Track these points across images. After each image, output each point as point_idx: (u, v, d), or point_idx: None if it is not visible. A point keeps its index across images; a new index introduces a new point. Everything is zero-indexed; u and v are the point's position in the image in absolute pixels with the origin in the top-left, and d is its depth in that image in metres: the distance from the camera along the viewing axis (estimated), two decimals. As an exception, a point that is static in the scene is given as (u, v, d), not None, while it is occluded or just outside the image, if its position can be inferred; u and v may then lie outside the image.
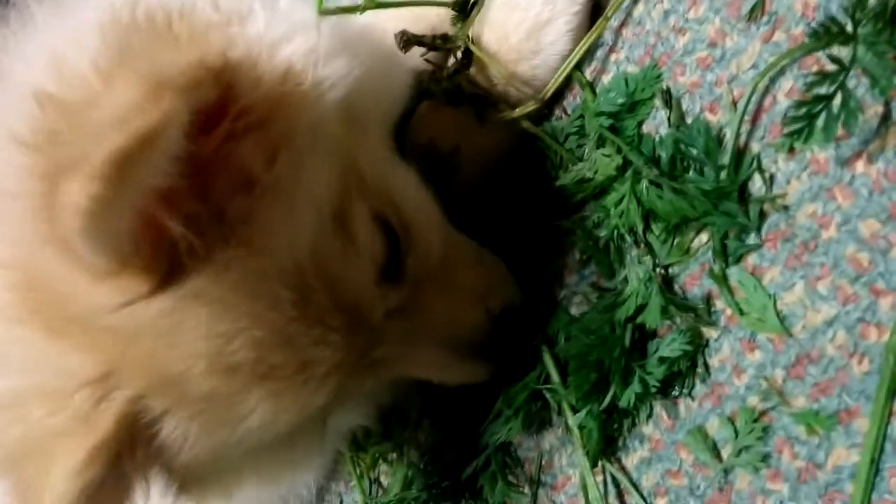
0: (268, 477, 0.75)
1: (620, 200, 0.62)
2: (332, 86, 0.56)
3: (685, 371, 0.61)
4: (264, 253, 0.52)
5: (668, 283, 0.62)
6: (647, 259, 0.62)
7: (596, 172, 0.65)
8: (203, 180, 0.49)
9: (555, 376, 0.67)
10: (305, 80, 0.54)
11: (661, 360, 0.60)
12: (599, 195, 0.67)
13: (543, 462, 0.73)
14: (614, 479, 0.66)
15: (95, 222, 0.41)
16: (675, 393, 0.62)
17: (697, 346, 0.60)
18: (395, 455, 0.91)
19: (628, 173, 0.63)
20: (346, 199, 0.57)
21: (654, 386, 0.60)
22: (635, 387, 0.60)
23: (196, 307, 0.50)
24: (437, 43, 0.70)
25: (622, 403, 0.61)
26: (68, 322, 0.51)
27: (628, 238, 0.63)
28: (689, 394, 0.61)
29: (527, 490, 0.73)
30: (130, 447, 0.52)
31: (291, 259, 0.54)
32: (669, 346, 0.59)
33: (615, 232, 0.64)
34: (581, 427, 0.63)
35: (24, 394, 0.52)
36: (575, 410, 0.65)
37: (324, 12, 0.62)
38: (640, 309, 0.61)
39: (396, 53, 0.70)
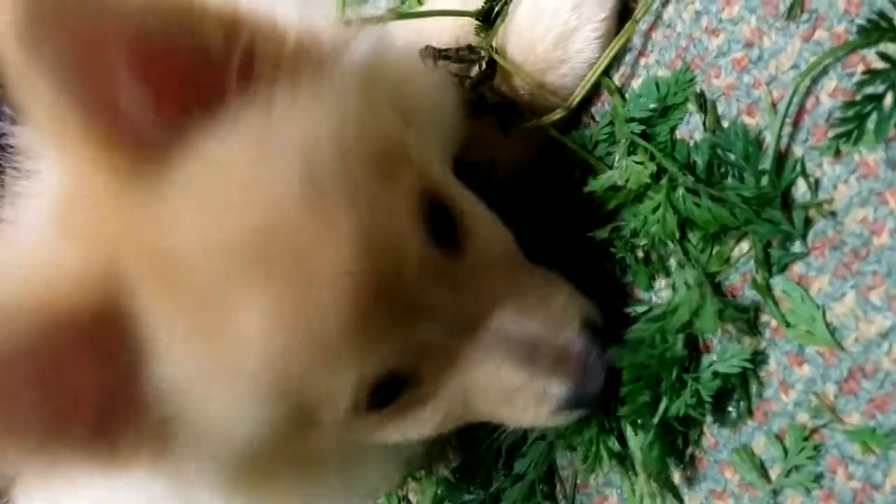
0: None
1: (657, 208, 0.59)
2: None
3: (738, 386, 0.58)
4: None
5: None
6: (690, 266, 0.59)
7: (628, 180, 0.62)
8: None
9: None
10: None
11: (715, 374, 0.57)
12: (632, 204, 0.64)
13: (578, 481, 0.70)
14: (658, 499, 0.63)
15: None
16: (730, 410, 0.58)
17: (756, 362, 0.57)
18: (423, 472, 0.89)
19: (663, 181, 0.60)
20: (394, 154, 0.53)
21: (707, 402, 0.57)
22: (687, 401, 0.57)
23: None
24: (462, 55, 0.67)
25: (670, 413, 0.58)
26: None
27: (670, 245, 0.60)
28: (739, 411, 0.58)
29: (562, 511, 0.71)
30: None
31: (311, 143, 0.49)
32: (727, 360, 0.56)
33: (655, 240, 0.61)
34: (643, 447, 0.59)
35: None
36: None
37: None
38: (690, 320, 0.58)
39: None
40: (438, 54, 0.66)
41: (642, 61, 0.68)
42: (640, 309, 0.63)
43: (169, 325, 0.49)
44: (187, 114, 0.49)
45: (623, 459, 0.63)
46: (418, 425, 0.59)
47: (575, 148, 0.68)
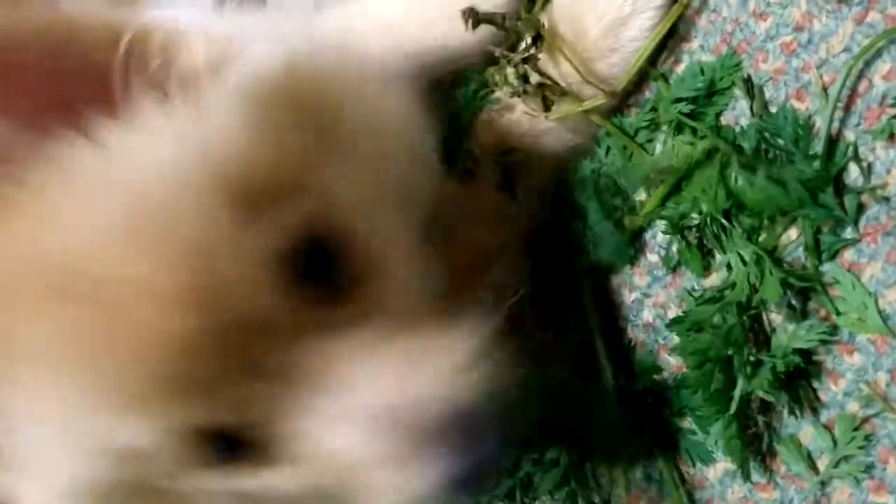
0: None
1: (708, 186, 0.58)
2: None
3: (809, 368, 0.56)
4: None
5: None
6: (746, 242, 0.58)
7: (679, 161, 0.61)
8: None
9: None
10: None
11: (792, 351, 0.55)
12: (678, 186, 0.63)
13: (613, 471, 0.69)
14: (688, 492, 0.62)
15: None
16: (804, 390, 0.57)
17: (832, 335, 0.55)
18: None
19: (714, 159, 0.59)
20: (270, 184, 0.46)
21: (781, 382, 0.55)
22: (767, 379, 0.55)
23: None
24: (509, 24, 0.66)
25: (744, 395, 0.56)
26: None
27: (725, 222, 0.59)
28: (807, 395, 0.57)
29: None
30: None
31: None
32: (802, 336, 0.54)
33: (707, 219, 0.59)
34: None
35: None
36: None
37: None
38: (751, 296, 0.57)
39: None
40: (480, 18, 0.65)
41: (686, 47, 0.67)
42: (695, 293, 0.61)
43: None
44: (71, 122, 0.45)
45: (666, 449, 0.62)
46: (277, 488, 0.51)
47: (617, 134, 0.67)
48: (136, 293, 0.42)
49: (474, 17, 0.66)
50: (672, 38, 0.67)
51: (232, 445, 0.48)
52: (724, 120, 0.63)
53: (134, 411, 0.44)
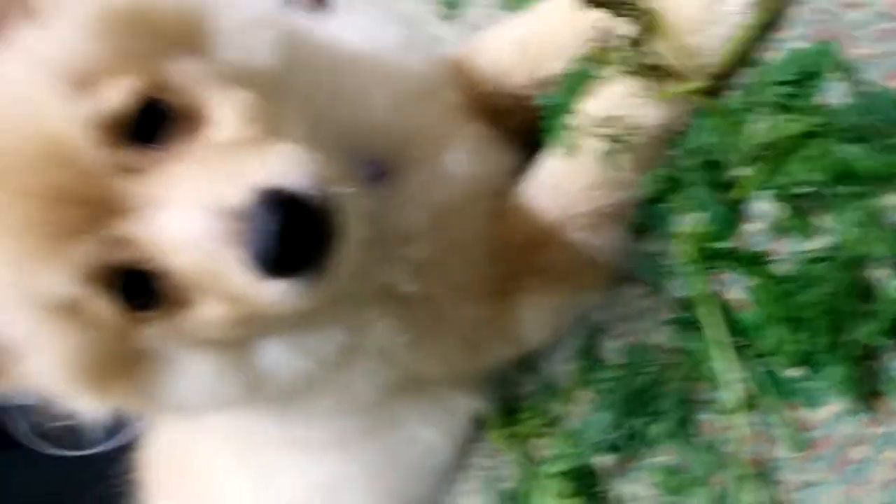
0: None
1: (813, 158, 0.65)
2: None
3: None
4: None
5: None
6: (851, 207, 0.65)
7: (781, 138, 0.68)
8: None
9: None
10: None
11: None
12: (779, 162, 0.70)
13: (722, 424, 0.75)
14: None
15: None
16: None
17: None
18: (548, 429, 0.95)
19: (818, 134, 0.66)
20: (104, 71, 0.62)
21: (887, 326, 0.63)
22: (874, 329, 0.62)
23: None
24: (621, 8, 0.73)
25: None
26: None
27: (830, 190, 0.66)
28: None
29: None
30: None
31: None
32: None
33: (812, 187, 0.66)
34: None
35: None
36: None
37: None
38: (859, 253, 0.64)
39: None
40: (598, 1, 0.72)
41: (780, 35, 0.74)
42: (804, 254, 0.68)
43: None
44: None
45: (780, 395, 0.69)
46: (210, 325, 0.66)
47: (717, 113, 0.74)
48: (13, 165, 0.60)
49: (593, 0, 0.73)
50: (769, 27, 0.74)
51: (139, 293, 0.64)
52: (820, 101, 0.70)
53: (42, 256, 0.60)
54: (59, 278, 0.61)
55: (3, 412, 2.13)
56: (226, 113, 0.65)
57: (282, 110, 0.68)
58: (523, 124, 0.95)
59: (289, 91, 0.72)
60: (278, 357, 0.75)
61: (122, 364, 0.69)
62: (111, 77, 0.62)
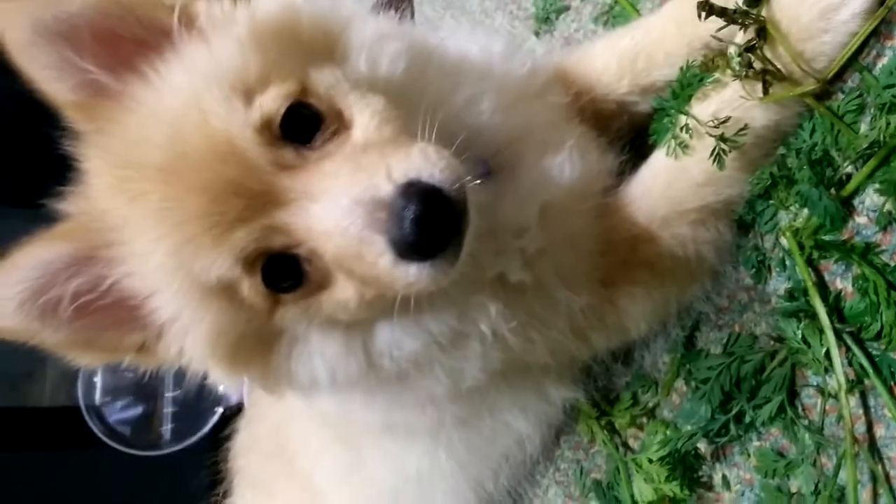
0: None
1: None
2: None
3: None
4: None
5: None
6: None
7: (891, 136, 0.73)
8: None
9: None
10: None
11: None
12: (886, 158, 0.75)
13: (827, 406, 0.79)
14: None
15: None
16: None
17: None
18: (644, 420, 0.99)
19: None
20: (260, 80, 0.72)
21: None
22: None
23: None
24: (736, 16, 0.78)
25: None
26: None
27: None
28: None
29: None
30: None
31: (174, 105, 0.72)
32: None
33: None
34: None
35: None
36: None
37: None
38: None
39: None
40: (712, 10, 0.77)
41: (888, 43, 0.79)
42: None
43: (121, 231, 0.74)
44: (135, 68, 0.75)
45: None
46: (344, 305, 0.74)
47: (827, 115, 0.79)
48: (188, 163, 0.70)
49: (708, 10, 0.78)
50: (873, 36, 0.79)
51: (287, 276, 0.73)
52: (928, 102, 0.75)
53: (207, 244, 0.69)
54: (224, 261, 0.70)
55: (84, 411, 2.24)
56: (364, 116, 0.74)
57: (409, 113, 0.76)
58: (627, 127, 1.01)
59: (412, 96, 0.80)
60: (394, 338, 0.81)
61: (261, 342, 0.78)
62: (266, 85, 0.72)
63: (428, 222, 0.66)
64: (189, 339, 0.77)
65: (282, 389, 0.85)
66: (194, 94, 0.72)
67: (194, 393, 2.04)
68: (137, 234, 0.73)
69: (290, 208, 0.70)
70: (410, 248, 0.67)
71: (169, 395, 2.13)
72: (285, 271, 0.73)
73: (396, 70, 0.81)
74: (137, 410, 2.21)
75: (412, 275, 0.69)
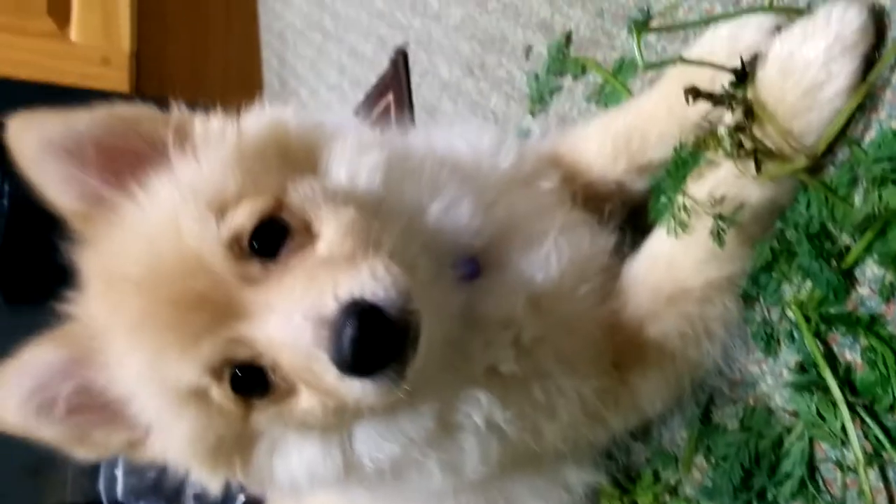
0: None
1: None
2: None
3: None
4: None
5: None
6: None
7: (884, 209, 0.74)
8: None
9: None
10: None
11: None
12: (883, 230, 0.76)
13: (848, 480, 0.79)
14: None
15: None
16: None
17: None
18: (667, 498, 0.99)
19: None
20: (236, 196, 0.76)
21: None
22: None
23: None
24: (723, 100, 0.81)
25: None
26: None
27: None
28: None
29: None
30: None
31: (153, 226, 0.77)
32: None
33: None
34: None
35: None
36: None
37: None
38: None
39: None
40: (699, 94, 0.79)
41: (874, 116, 0.81)
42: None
43: (106, 339, 0.79)
44: (136, 180, 0.81)
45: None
46: (310, 413, 0.76)
47: (821, 189, 0.81)
48: (161, 277, 0.74)
49: (695, 94, 0.81)
50: (860, 110, 0.81)
51: (255, 384, 0.76)
52: (919, 172, 0.76)
53: (175, 354, 0.73)
54: (191, 370, 0.74)
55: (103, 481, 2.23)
56: (330, 229, 0.77)
57: (379, 224, 0.78)
58: (623, 206, 1.03)
59: (388, 206, 0.83)
60: (372, 440, 0.83)
61: (240, 443, 0.81)
62: (240, 200, 0.76)
63: (365, 342, 0.69)
64: (169, 441, 0.81)
65: (265, 488, 0.88)
66: (173, 210, 0.77)
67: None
68: (115, 341, 0.78)
69: (252, 321, 0.74)
70: (348, 366, 0.70)
71: (190, 494, 2.12)
72: (253, 380, 0.76)
73: (374, 182, 0.84)
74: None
75: (356, 390, 0.71)
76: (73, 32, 3.23)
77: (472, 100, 1.63)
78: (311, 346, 0.70)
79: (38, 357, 0.81)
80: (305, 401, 0.76)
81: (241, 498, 2.14)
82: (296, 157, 0.82)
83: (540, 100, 1.37)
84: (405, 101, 1.88)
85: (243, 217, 0.75)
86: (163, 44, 3.45)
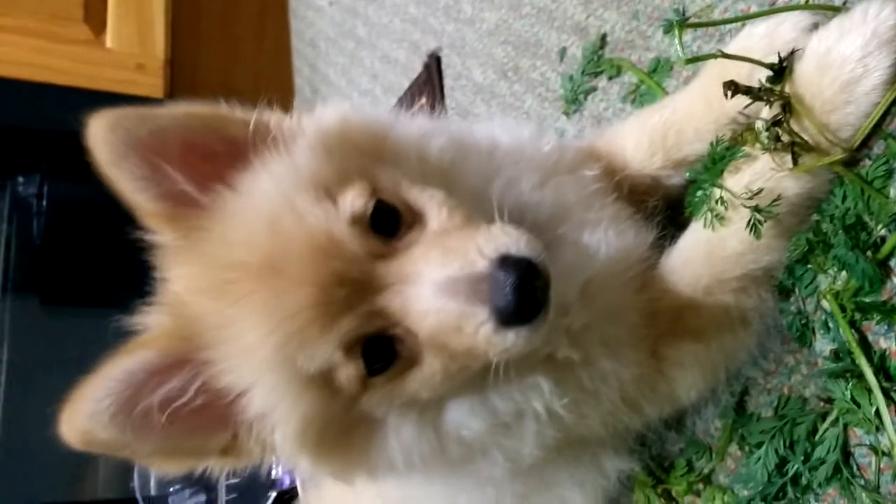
0: None
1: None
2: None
3: None
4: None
5: None
6: None
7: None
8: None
9: None
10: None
11: None
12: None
13: (882, 465, 0.81)
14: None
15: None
16: None
17: None
18: (701, 486, 1.00)
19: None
20: (338, 182, 0.79)
21: None
22: None
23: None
24: (761, 94, 0.83)
25: None
26: None
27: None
28: None
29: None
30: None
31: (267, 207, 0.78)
32: None
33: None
34: None
35: None
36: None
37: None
38: None
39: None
40: (738, 89, 0.82)
41: (910, 110, 0.83)
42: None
43: (225, 331, 0.77)
44: (222, 180, 0.82)
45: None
46: (428, 380, 0.79)
47: (857, 181, 0.83)
48: (286, 261, 0.75)
49: (734, 89, 0.83)
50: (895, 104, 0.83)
51: (380, 357, 0.78)
52: (954, 165, 0.78)
53: (315, 333, 0.74)
54: (329, 347, 0.75)
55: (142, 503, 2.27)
56: (433, 207, 0.81)
57: (463, 201, 0.83)
58: (662, 202, 1.05)
59: (463, 184, 0.87)
60: (462, 418, 0.86)
61: (343, 430, 0.82)
62: (344, 186, 0.80)
63: (525, 289, 0.73)
64: (279, 433, 0.80)
65: (357, 476, 0.88)
66: (285, 198, 0.78)
67: (248, 480, 2.07)
68: (243, 331, 0.76)
69: (385, 293, 0.77)
70: (512, 314, 0.74)
71: (224, 482, 2.15)
72: (379, 353, 0.78)
73: (444, 162, 0.88)
74: (200, 499, 2.23)
75: (510, 339, 0.75)
76: (109, 39, 3.28)
77: (505, 102, 1.66)
78: (466, 303, 0.74)
79: (125, 366, 0.77)
80: (427, 367, 0.78)
81: (273, 495, 2.18)
82: (363, 147, 0.85)
83: (574, 101, 1.40)
84: (438, 105, 1.91)
85: (357, 198, 0.78)
86: (196, 51, 3.51)
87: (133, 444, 0.78)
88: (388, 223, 0.80)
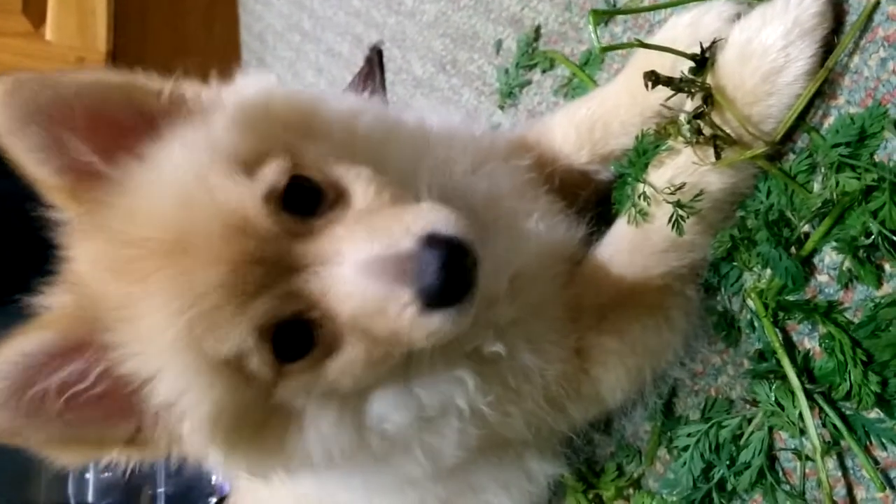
0: None
1: (880, 208, 0.70)
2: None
3: None
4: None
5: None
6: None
7: (842, 194, 0.73)
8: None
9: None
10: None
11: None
12: (841, 216, 0.75)
13: (807, 470, 0.78)
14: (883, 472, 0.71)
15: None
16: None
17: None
18: (631, 491, 0.97)
19: (881, 188, 0.71)
20: (256, 156, 0.74)
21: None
22: None
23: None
24: (682, 85, 0.80)
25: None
26: None
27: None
28: None
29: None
30: None
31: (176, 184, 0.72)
32: None
33: (879, 238, 0.71)
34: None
35: None
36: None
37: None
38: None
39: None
40: (658, 80, 0.78)
41: (833, 103, 0.80)
42: (874, 300, 0.72)
43: (128, 311, 0.71)
44: (130, 152, 0.76)
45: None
46: (349, 368, 0.74)
47: (780, 176, 0.80)
48: (200, 237, 0.69)
49: (654, 79, 0.80)
50: (818, 96, 0.81)
51: (296, 343, 0.72)
52: (877, 158, 0.76)
53: (228, 314, 0.68)
54: (242, 330, 0.69)
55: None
56: (360, 185, 0.76)
57: (391, 179, 0.78)
58: (593, 197, 1.02)
59: (391, 163, 0.82)
60: (385, 410, 0.81)
61: (257, 421, 0.76)
62: (262, 160, 0.74)
63: (453, 269, 0.69)
64: (188, 422, 0.74)
65: (273, 471, 0.82)
66: (196, 171, 0.72)
67: (185, 487, 2.02)
68: (148, 311, 0.70)
69: (303, 274, 0.71)
70: (438, 295, 0.69)
71: (161, 490, 2.09)
72: (294, 339, 0.73)
73: (372, 140, 0.83)
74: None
75: (435, 323, 0.70)
76: (49, 31, 3.19)
77: (444, 96, 1.62)
78: (391, 284, 0.69)
79: (22, 347, 0.71)
80: (348, 354, 0.73)
81: (213, 501, 2.12)
82: (288, 122, 0.80)
83: (509, 94, 1.37)
84: (380, 98, 1.87)
85: (273, 173, 0.73)
86: (142, 44, 3.43)
87: (26, 430, 0.71)
88: (308, 200, 0.75)
